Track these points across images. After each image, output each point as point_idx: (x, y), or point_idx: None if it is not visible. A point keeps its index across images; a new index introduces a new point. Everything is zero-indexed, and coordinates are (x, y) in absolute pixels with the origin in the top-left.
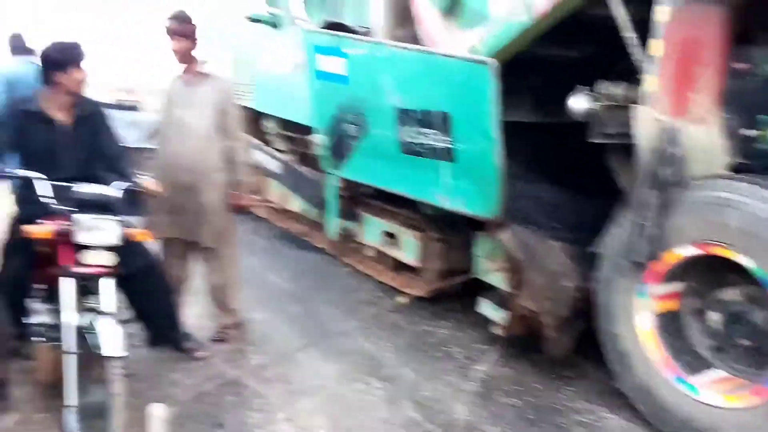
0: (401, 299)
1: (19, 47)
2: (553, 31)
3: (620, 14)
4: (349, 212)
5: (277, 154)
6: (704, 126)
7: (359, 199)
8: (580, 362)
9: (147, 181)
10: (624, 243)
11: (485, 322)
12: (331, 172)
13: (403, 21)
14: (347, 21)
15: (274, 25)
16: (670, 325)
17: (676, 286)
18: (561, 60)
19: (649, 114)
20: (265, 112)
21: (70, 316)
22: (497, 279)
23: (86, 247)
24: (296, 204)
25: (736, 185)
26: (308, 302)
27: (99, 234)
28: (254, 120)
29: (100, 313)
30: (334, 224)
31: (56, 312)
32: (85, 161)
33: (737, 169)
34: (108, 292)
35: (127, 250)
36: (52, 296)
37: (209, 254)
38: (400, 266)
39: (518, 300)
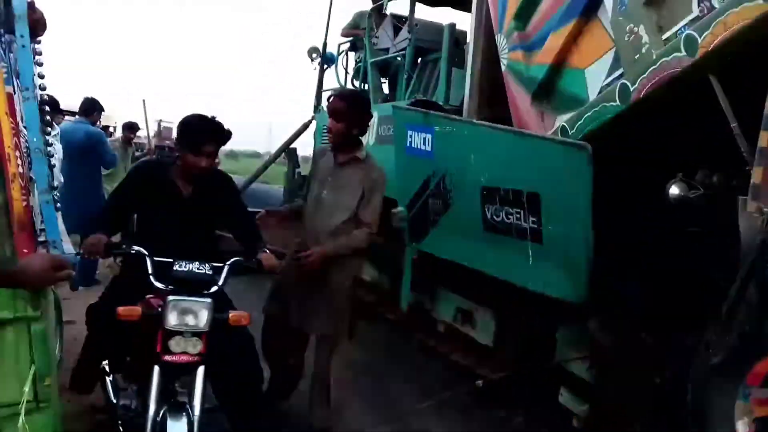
0: (478, 383)
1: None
2: (652, 115)
3: (723, 103)
4: (423, 286)
5: None
6: None
7: (435, 273)
8: None
9: (267, 256)
10: (722, 342)
11: (563, 412)
12: (409, 245)
13: (492, 101)
14: (437, 99)
15: None
16: None
17: None
18: (659, 146)
19: (754, 206)
20: None
21: (151, 408)
22: (579, 368)
23: (177, 332)
24: (370, 274)
25: None
26: (378, 376)
27: (189, 318)
28: None
29: (172, 405)
30: (407, 297)
31: (144, 400)
32: (201, 236)
33: None
34: (195, 383)
35: (223, 334)
36: (144, 383)
37: (323, 342)
38: (473, 345)
39: (602, 393)
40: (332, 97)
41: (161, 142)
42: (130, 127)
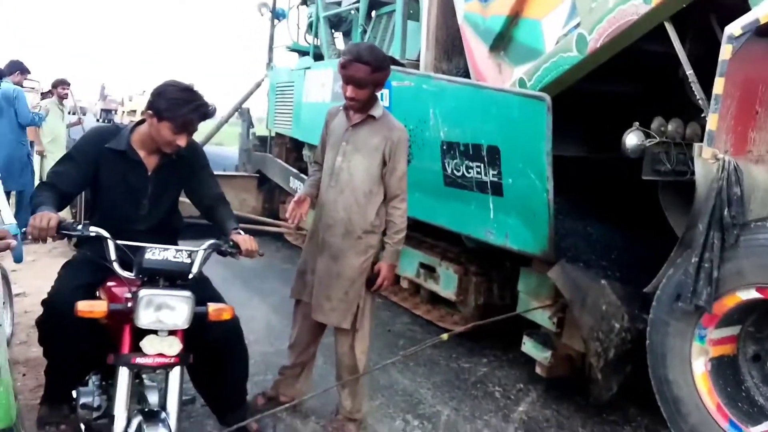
0: (443, 336)
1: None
2: (605, 66)
3: (679, 50)
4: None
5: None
6: (765, 166)
7: None
8: (626, 405)
9: (244, 238)
10: (683, 285)
11: (525, 359)
12: None
13: (449, 54)
14: (393, 53)
15: (314, 56)
16: (726, 370)
17: (732, 330)
18: (613, 95)
19: (710, 153)
20: (305, 141)
21: (120, 413)
22: (542, 317)
23: (150, 330)
24: None
25: None
26: None
27: (165, 315)
28: (295, 148)
29: (147, 415)
30: None
31: (109, 396)
32: (166, 212)
33: None
34: (169, 385)
35: (202, 329)
36: (107, 375)
37: (341, 333)
38: (436, 299)
39: (564, 340)
40: (349, 62)
41: (108, 106)
42: (61, 83)
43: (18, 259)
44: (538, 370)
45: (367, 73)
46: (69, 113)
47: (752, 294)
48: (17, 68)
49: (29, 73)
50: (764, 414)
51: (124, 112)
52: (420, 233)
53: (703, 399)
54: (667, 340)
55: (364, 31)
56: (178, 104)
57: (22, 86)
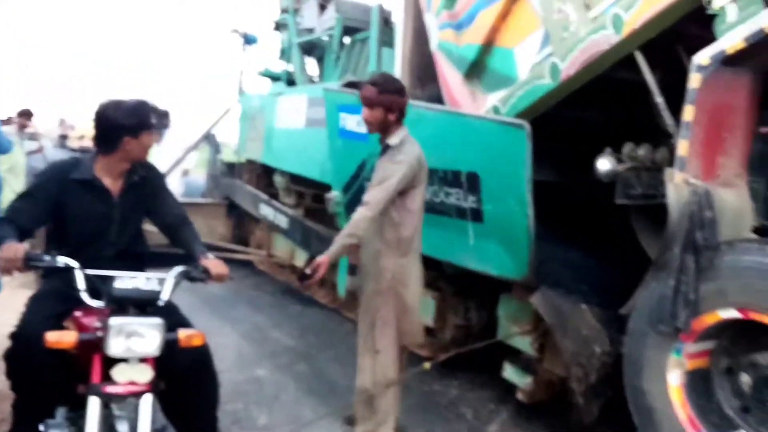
0: (426, 365)
1: None
2: (576, 92)
3: (648, 79)
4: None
5: (285, 209)
6: (732, 189)
7: None
8: (597, 425)
9: (214, 262)
10: (662, 308)
11: (496, 381)
12: None
13: (423, 81)
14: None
15: (287, 82)
16: (699, 383)
17: (708, 345)
18: (581, 121)
19: (681, 177)
20: (277, 167)
21: None
22: (522, 342)
23: (120, 359)
24: (303, 259)
25: None
26: (314, 360)
27: (136, 343)
28: (266, 175)
29: None
30: (344, 283)
31: (78, 428)
32: (132, 239)
33: (761, 232)
34: (140, 412)
35: (172, 355)
36: (75, 406)
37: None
38: None
39: (546, 365)
40: (363, 84)
41: (64, 131)
42: (26, 114)
43: None
44: (519, 395)
45: (374, 93)
46: (29, 140)
47: (732, 314)
48: None
49: None
50: (733, 426)
51: (73, 137)
52: None
53: (676, 410)
54: (644, 351)
55: (338, 58)
56: (140, 112)
57: None
